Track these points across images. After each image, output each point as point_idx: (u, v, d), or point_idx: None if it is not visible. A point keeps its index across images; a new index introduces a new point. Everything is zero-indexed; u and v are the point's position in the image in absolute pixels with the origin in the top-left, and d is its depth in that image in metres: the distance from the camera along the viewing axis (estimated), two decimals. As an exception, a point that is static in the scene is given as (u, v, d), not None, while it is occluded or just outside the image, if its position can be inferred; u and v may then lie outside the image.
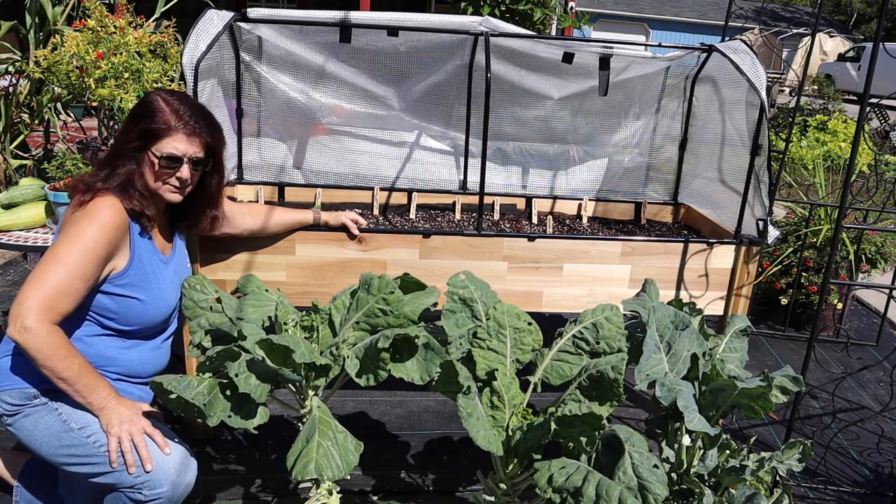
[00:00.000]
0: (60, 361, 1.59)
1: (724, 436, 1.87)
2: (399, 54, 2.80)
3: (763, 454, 1.80)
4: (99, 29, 2.87)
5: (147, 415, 1.75)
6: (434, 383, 1.72)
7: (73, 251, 1.62)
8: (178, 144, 1.75)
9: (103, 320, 1.75)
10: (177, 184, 1.79)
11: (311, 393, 1.81)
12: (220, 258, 2.28)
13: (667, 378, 1.77)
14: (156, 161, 1.73)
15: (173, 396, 1.57)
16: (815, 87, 18.43)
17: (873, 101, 2.79)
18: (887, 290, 2.68)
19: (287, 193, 2.98)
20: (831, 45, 23.67)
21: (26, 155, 4.15)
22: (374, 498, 2.30)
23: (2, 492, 2.13)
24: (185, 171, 1.78)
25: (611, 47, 2.70)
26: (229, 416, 1.61)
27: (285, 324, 1.87)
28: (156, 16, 4.09)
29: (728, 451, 1.87)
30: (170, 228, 1.94)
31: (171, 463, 1.67)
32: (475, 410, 1.62)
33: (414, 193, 2.99)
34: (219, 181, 1.95)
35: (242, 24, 2.53)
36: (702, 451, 1.85)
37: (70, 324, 1.73)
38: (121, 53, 2.88)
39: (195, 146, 1.78)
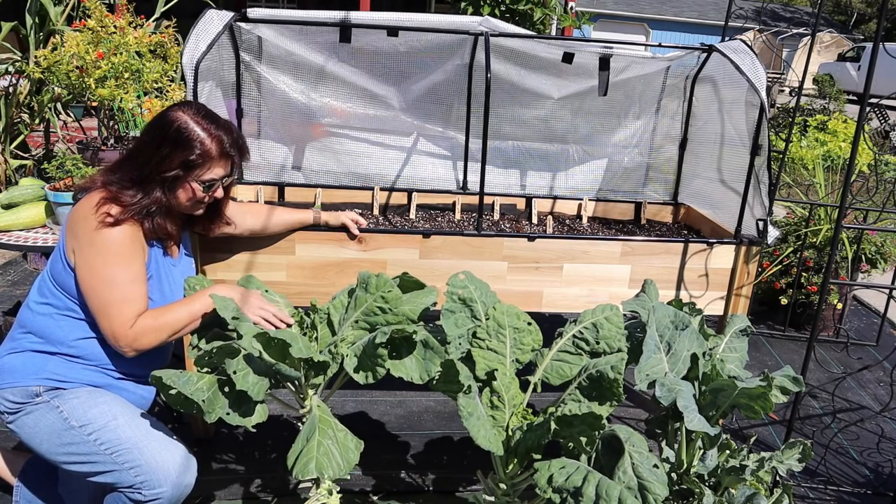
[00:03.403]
0: (171, 329, 1.73)
1: (724, 436, 1.87)
2: (399, 54, 2.80)
3: (763, 454, 1.80)
4: (99, 29, 2.87)
5: (145, 416, 1.77)
6: (434, 383, 1.72)
7: (107, 264, 1.67)
8: (218, 171, 1.80)
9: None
10: (207, 201, 1.85)
11: (310, 392, 1.81)
12: (220, 258, 2.28)
13: (667, 378, 1.77)
14: (198, 188, 1.78)
15: (173, 392, 1.57)
16: (816, 87, 18.42)
17: (873, 101, 2.79)
18: (887, 290, 2.68)
19: (287, 193, 2.98)
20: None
21: (26, 155, 4.15)
22: (374, 498, 2.30)
23: (2, 492, 2.13)
24: (219, 192, 1.85)
25: (611, 47, 2.70)
26: (228, 414, 1.62)
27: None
28: (156, 16, 4.08)
29: (728, 451, 1.87)
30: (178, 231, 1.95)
31: (171, 463, 1.67)
32: (476, 410, 1.62)
33: (414, 193, 2.99)
34: (228, 190, 1.97)
35: (242, 25, 2.53)
36: (702, 451, 1.85)
37: (75, 323, 1.73)
38: (121, 53, 2.87)
39: (227, 168, 1.84)
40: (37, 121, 4.14)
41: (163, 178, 1.74)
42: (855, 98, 17.67)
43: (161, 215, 1.77)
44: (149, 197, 1.73)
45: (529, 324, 1.90)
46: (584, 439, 1.55)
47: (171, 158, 1.73)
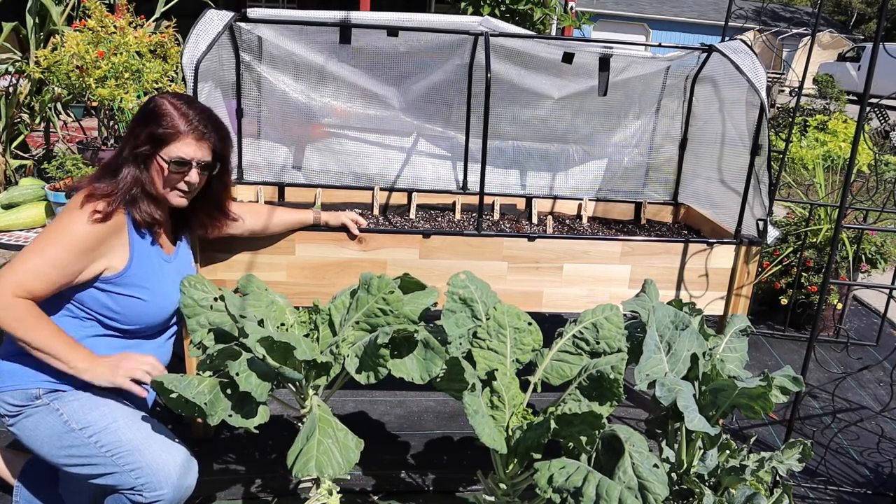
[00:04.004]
0: (26, 334, 1.60)
1: (724, 436, 1.87)
2: (399, 54, 2.80)
3: (763, 454, 1.80)
4: (99, 29, 2.87)
5: (146, 418, 1.76)
6: (438, 381, 1.72)
7: (52, 240, 1.65)
8: (187, 149, 1.76)
9: (105, 320, 1.75)
10: (184, 188, 1.80)
11: (311, 392, 1.81)
12: (220, 258, 2.28)
13: (667, 378, 1.77)
14: (165, 166, 1.75)
15: (174, 396, 1.57)
16: (816, 87, 18.42)
17: (873, 101, 2.79)
18: (887, 290, 2.68)
19: (287, 193, 2.98)
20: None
21: (26, 155, 4.15)
22: (375, 498, 2.30)
23: (2, 492, 2.13)
24: (193, 175, 1.79)
25: (611, 47, 2.70)
26: (230, 416, 1.61)
27: (286, 324, 1.88)
28: (156, 16, 4.08)
29: (728, 451, 1.87)
30: (173, 226, 1.94)
31: (172, 465, 1.67)
32: (480, 408, 1.62)
33: (414, 193, 2.99)
34: (225, 185, 1.96)
35: (242, 25, 2.53)
36: (702, 451, 1.85)
37: (72, 324, 1.73)
38: (121, 53, 2.88)
39: (203, 150, 1.79)
40: (37, 121, 4.14)
41: (135, 154, 1.74)
42: (855, 98, 17.67)
43: (145, 199, 1.76)
44: (126, 179, 1.73)
45: (530, 324, 1.90)
46: (584, 439, 1.55)
47: (140, 134, 1.74)
